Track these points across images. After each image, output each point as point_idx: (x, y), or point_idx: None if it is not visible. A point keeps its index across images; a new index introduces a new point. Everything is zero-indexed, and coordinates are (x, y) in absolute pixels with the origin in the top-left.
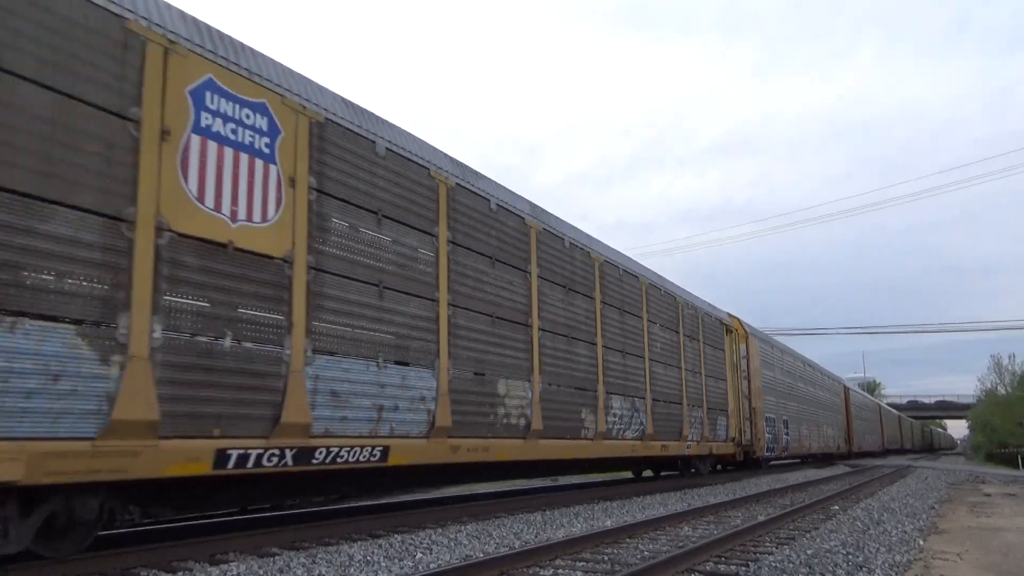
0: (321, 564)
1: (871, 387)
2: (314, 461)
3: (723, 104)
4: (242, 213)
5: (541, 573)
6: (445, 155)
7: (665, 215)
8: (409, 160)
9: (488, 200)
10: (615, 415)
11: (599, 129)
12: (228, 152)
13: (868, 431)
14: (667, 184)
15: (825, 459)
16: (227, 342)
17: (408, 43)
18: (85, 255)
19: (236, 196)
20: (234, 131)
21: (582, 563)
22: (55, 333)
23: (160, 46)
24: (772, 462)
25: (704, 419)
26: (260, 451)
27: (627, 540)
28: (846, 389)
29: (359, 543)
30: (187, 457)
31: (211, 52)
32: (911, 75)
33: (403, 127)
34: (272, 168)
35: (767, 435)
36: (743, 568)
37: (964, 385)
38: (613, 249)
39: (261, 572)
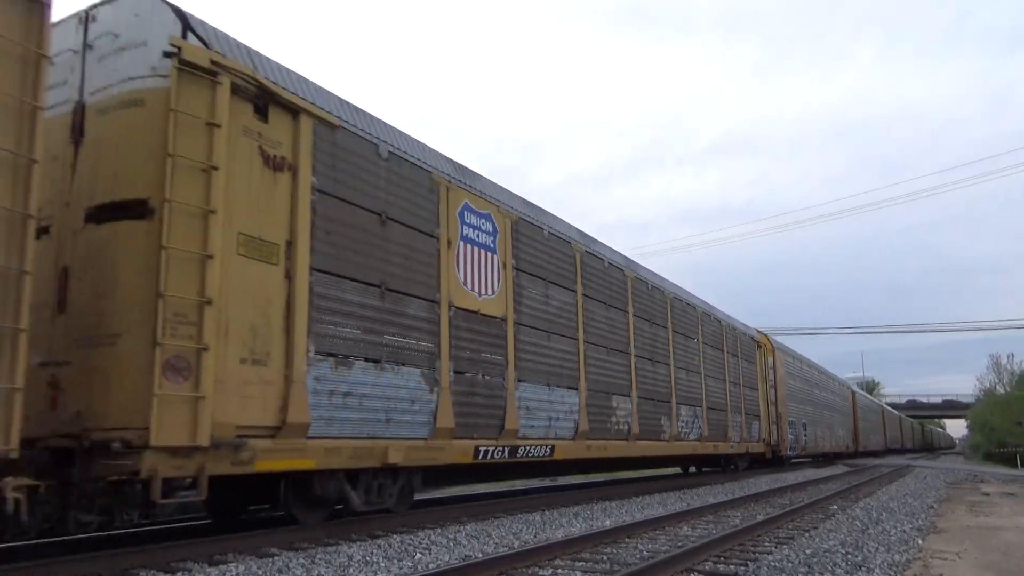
0: (320, 564)
1: (870, 387)
2: (518, 455)
3: (723, 104)
4: (483, 290)
5: (540, 573)
6: (579, 230)
7: (665, 215)
8: (563, 239)
9: (602, 260)
10: (683, 421)
11: (599, 129)
12: (475, 250)
13: (872, 431)
14: (667, 184)
15: (836, 457)
16: (480, 376)
17: (408, 43)
18: (423, 326)
19: (480, 279)
20: (476, 235)
21: (581, 563)
22: (413, 375)
23: (445, 186)
24: (792, 459)
25: (743, 423)
26: (493, 448)
27: (626, 540)
28: (853, 393)
29: (358, 543)
30: (463, 452)
31: (467, 185)
32: (911, 75)
33: (557, 215)
34: (495, 257)
35: (790, 436)
36: (742, 568)
37: (963, 385)
38: (677, 285)
39: (260, 573)
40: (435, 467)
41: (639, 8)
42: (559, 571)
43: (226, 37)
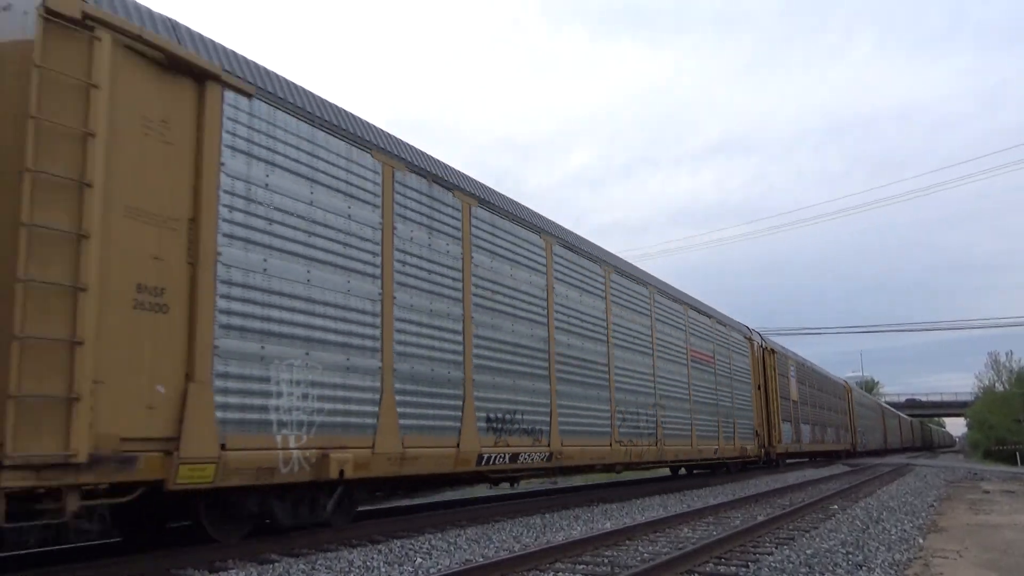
0: (321, 570)
1: (869, 386)
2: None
3: (718, 103)
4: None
5: None
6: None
7: (662, 216)
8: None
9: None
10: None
11: (594, 130)
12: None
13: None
14: (663, 185)
15: (834, 456)
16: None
17: (401, 44)
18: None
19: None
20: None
21: (582, 566)
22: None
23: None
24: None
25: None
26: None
27: (627, 542)
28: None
29: (359, 548)
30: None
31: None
32: (906, 72)
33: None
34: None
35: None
36: (743, 569)
37: (963, 383)
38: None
39: None
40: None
41: (632, 7)
42: (560, 574)
43: None
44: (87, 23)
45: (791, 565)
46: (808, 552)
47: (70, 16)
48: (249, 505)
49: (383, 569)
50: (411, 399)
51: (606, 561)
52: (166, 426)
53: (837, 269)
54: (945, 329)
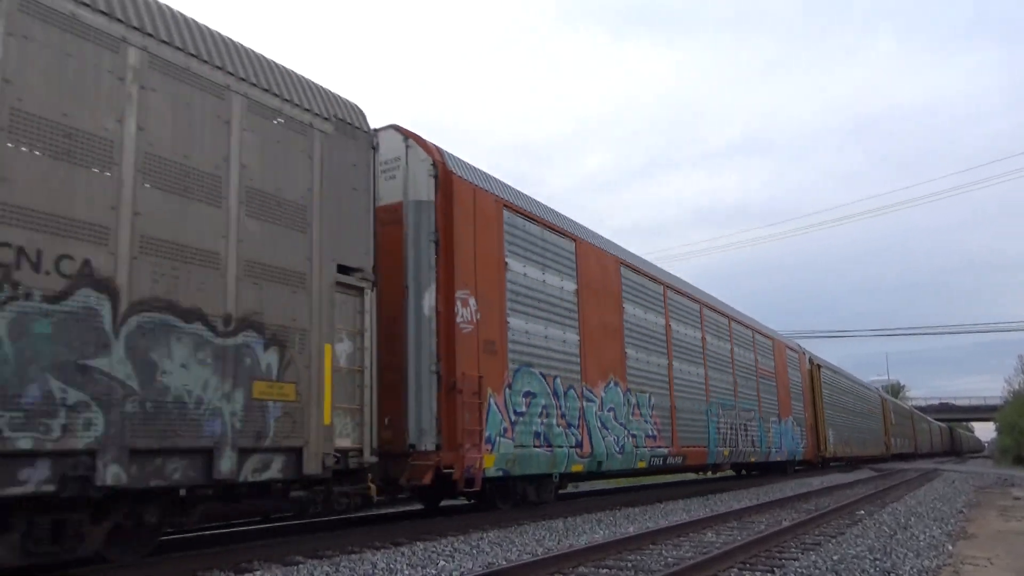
0: (344, 572)
1: (894, 390)
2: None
3: (737, 103)
4: None
5: None
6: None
7: (681, 218)
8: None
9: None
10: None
11: (612, 132)
12: None
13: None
14: (682, 186)
15: (872, 461)
16: None
17: (419, 48)
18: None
19: None
20: None
21: (605, 570)
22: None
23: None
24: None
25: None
26: None
27: (650, 546)
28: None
29: (382, 551)
30: None
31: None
32: (928, 68)
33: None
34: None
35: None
36: (768, 574)
37: (991, 386)
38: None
39: None
40: None
41: (649, 8)
42: None
43: None
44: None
45: (818, 571)
46: (835, 558)
47: (813, 362)
48: None
49: (406, 572)
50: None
51: (629, 565)
52: None
53: (861, 270)
54: (973, 332)
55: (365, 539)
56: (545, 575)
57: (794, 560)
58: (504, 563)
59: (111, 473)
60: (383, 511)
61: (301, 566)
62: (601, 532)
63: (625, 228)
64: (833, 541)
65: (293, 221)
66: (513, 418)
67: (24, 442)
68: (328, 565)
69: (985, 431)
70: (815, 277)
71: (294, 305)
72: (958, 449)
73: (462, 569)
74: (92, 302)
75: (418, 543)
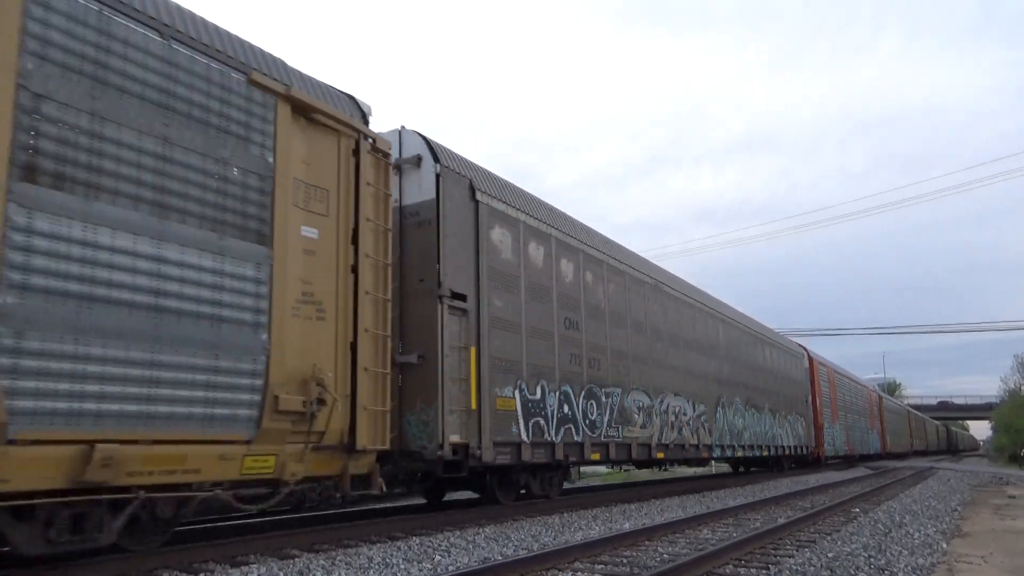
0: (340, 566)
1: (891, 388)
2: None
3: (741, 101)
4: None
5: None
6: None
7: (683, 215)
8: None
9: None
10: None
11: (615, 128)
12: None
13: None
14: (685, 183)
15: (868, 459)
16: None
17: (421, 43)
18: None
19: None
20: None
21: (600, 566)
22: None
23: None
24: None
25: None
26: None
27: (646, 543)
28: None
29: (378, 545)
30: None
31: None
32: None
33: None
34: None
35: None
36: (763, 571)
37: (987, 385)
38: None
39: (281, 574)
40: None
41: (654, 4)
42: (579, 574)
43: None
44: None
45: (812, 568)
46: (830, 555)
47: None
48: None
49: (402, 566)
50: None
51: (625, 561)
52: None
53: (860, 269)
54: (970, 331)
55: (361, 533)
56: (541, 571)
57: (789, 557)
58: (500, 558)
59: None
60: (382, 505)
61: (297, 560)
62: (597, 528)
63: (627, 224)
64: (828, 539)
65: None
66: None
67: None
68: (324, 559)
69: (980, 430)
70: (814, 275)
71: None
72: (954, 447)
73: (458, 564)
74: None
75: (414, 537)
